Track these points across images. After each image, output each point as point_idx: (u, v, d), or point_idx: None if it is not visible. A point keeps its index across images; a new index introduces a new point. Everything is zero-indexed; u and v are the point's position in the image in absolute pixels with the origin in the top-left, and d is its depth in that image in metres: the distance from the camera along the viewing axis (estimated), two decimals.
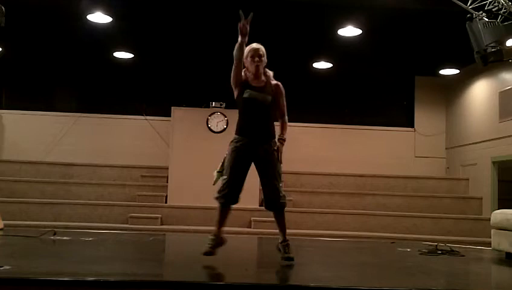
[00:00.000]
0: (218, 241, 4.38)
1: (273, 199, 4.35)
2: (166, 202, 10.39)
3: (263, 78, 4.47)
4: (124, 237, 7.04)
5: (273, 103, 4.43)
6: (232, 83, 4.47)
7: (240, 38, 4.28)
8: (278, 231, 4.46)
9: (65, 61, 12.02)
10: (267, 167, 4.34)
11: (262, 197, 4.43)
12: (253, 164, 4.41)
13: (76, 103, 12.53)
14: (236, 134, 4.43)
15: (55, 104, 12.37)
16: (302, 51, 10.93)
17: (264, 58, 4.44)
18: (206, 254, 4.30)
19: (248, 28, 4.24)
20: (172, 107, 10.82)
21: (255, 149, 4.34)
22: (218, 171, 4.49)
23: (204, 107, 10.77)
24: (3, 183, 10.46)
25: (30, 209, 9.75)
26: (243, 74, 4.44)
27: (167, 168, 10.72)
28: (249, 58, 4.41)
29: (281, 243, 4.42)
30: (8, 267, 3.64)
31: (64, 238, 5.92)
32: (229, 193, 4.34)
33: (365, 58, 10.98)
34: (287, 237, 4.44)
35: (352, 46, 10.13)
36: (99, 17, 9.21)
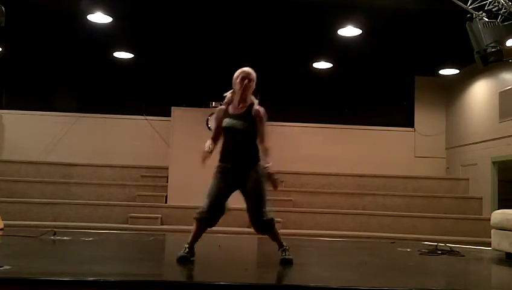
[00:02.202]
0: (191, 252, 4.39)
1: (257, 223, 4.35)
2: (166, 202, 10.38)
3: (246, 103, 4.44)
4: (124, 237, 7.05)
5: (253, 128, 4.36)
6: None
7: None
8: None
9: (65, 61, 12.03)
10: (251, 193, 4.31)
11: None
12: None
13: (76, 103, 12.54)
14: (219, 161, 4.44)
15: (55, 104, 12.38)
16: (302, 51, 10.92)
17: (253, 84, 4.44)
18: (181, 259, 4.27)
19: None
20: (172, 107, 10.82)
21: (238, 175, 4.33)
22: None
23: (204, 107, 10.76)
24: (3, 183, 10.45)
25: (30, 210, 9.73)
26: (223, 105, 4.51)
27: (167, 168, 10.71)
28: (238, 80, 4.41)
29: (278, 249, 4.43)
30: (8, 267, 3.65)
31: (64, 238, 5.92)
32: (209, 218, 4.36)
33: (365, 58, 10.97)
34: (284, 242, 4.44)
35: (352, 46, 10.13)
36: (99, 17, 9.22)
